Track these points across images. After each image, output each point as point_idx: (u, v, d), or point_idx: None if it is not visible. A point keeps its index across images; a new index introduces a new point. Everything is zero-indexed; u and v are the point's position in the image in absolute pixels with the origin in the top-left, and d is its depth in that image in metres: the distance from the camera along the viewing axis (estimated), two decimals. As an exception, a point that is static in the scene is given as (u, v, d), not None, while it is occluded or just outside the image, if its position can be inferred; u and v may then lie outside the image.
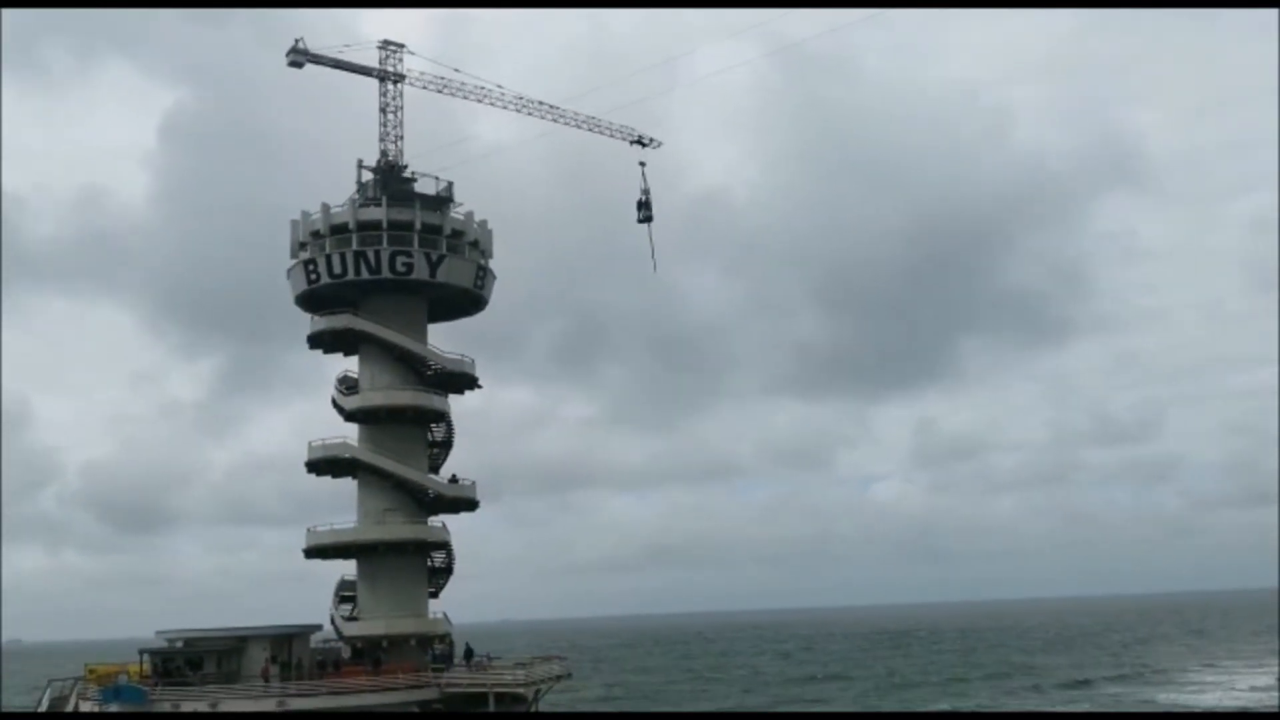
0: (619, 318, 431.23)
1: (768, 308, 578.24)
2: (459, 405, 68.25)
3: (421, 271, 64.21)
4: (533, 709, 62.14)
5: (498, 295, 69.98)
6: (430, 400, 65.36)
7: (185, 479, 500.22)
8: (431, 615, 65.52)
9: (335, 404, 66.50)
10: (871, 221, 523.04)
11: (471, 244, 67.37)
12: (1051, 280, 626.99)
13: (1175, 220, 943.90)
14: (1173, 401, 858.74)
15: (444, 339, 69.50)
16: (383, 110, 67.64)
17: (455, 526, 67.10)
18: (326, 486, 66.84)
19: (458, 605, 67.93)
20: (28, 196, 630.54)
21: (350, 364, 67.72)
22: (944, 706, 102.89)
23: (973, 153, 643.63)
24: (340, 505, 66.57)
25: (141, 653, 60.18)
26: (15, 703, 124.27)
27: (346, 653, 63.95)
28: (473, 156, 71.54)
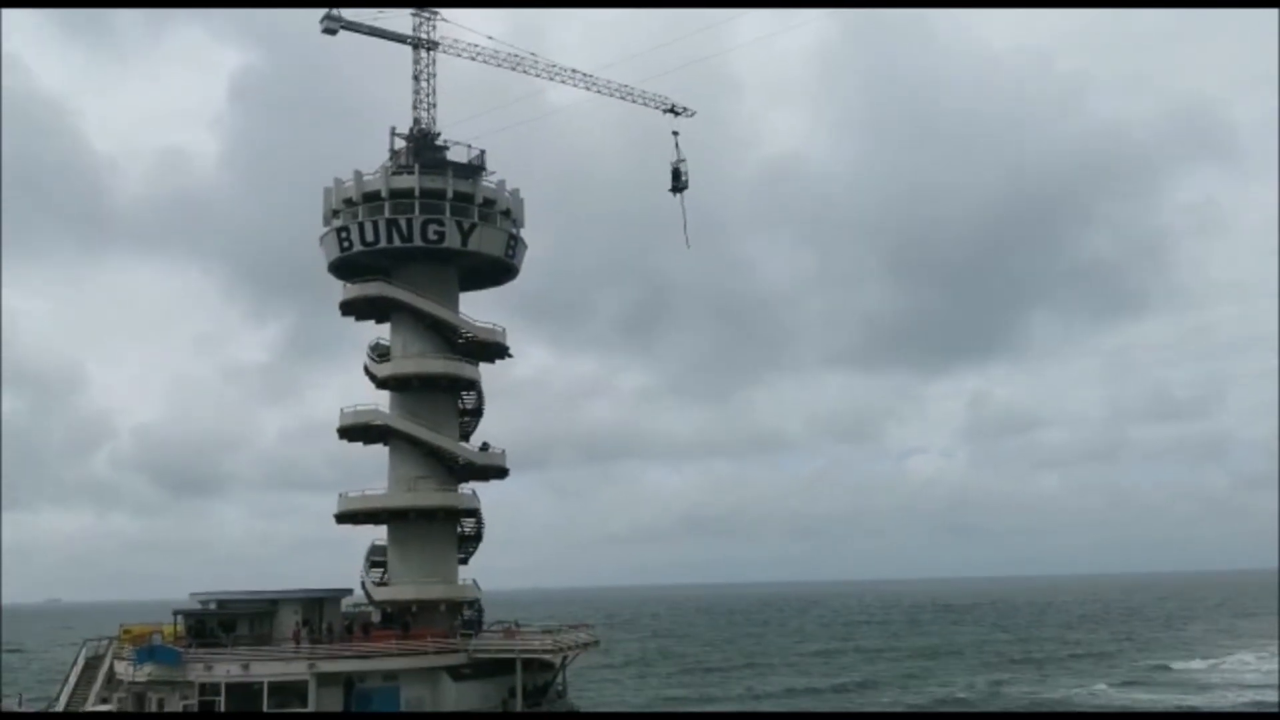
0: (688, 287, 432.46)
1: (837, 278, 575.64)
2: (518, 373, 68.65)
3: (453, 240, 64.28)
4: (561, 675, 62.61)
5: (569, 263, 70.58)
6: (461, 368, 65.57)
7: (240, 444, 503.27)
8: (461, 581, 66.04)
9: (367, 371, 66.87)
10: (945, 190, 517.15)
11: (503, 213, 67.33)
12: (1127, 252, 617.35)
13: (1256, 191, 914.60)
14: (1235, 377, 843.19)
15: (506, 307, 69.68)
16: (416, 78, 67.53)
17: (492, 494, 67.60)
18: (373, 453, 67.39)
19: (491, 572, 68.45)
20: (117, 159, 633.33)
21: (382, 331, 68.05)
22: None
23: (1047, 121, 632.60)
24: (385, 472, 66.97)
25: (175, 614, 60.98)
26: (51, 658, 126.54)
27: (376, 617, 64.57)
28: (512, 124, 71.28)
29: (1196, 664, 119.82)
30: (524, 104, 71.45)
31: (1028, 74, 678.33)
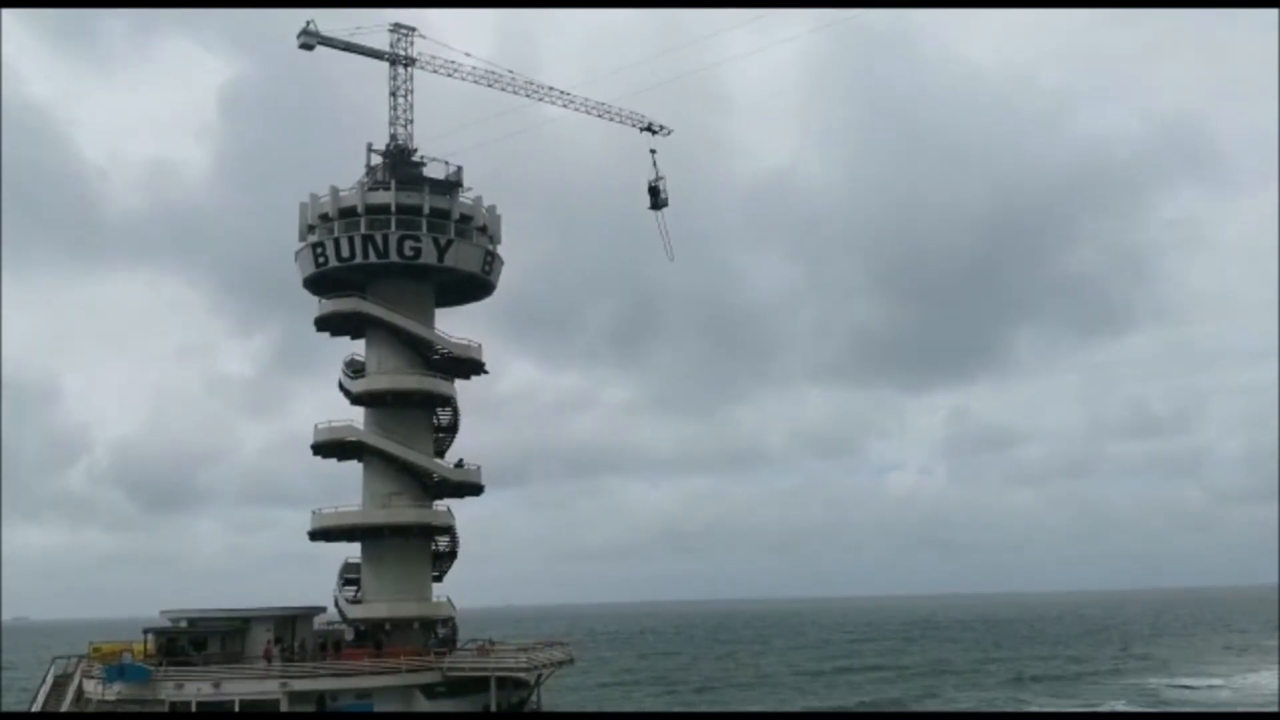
0: (677, 300, 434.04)
1: (825, 292, 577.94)
2: (504, 388, 68.79)
3: (429, 256, 64.18)
4: (535, 694, 62.34)
5: (559, 276, 70.36)
6: (436, 384, 65.40)
7: (220, 458, 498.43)
8: (435, 599, 65.72)
9: (342, 387, 66.58)
10: (933, 205, 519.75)
11: (480, 229, 67.30)
12: (1111, 267, 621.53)
13: (1239, 204, 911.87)
14: (1216, 392, 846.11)
15: (495, 321, 69.62)
16: (393, 94, 67.46)
17: (471, 510, 67.36)
18: (353, 468, 67.02)
19: (468, 589, 68.24)
20: (105, 170, 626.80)
21: (358, 347, 67.79)
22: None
23: (1032, 136, 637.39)
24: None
25: (146, 632, 60.38)
26: (18, 679, 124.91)
27: (349, 635, 64.15)
28: (501, 136, 71.36)
29: (1217, 681, 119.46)
30: (514, 117, 71.28)
31: (1011, 90, 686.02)
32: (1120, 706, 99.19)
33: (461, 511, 66.99)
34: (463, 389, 67.93)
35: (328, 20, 66.42)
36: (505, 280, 70.00)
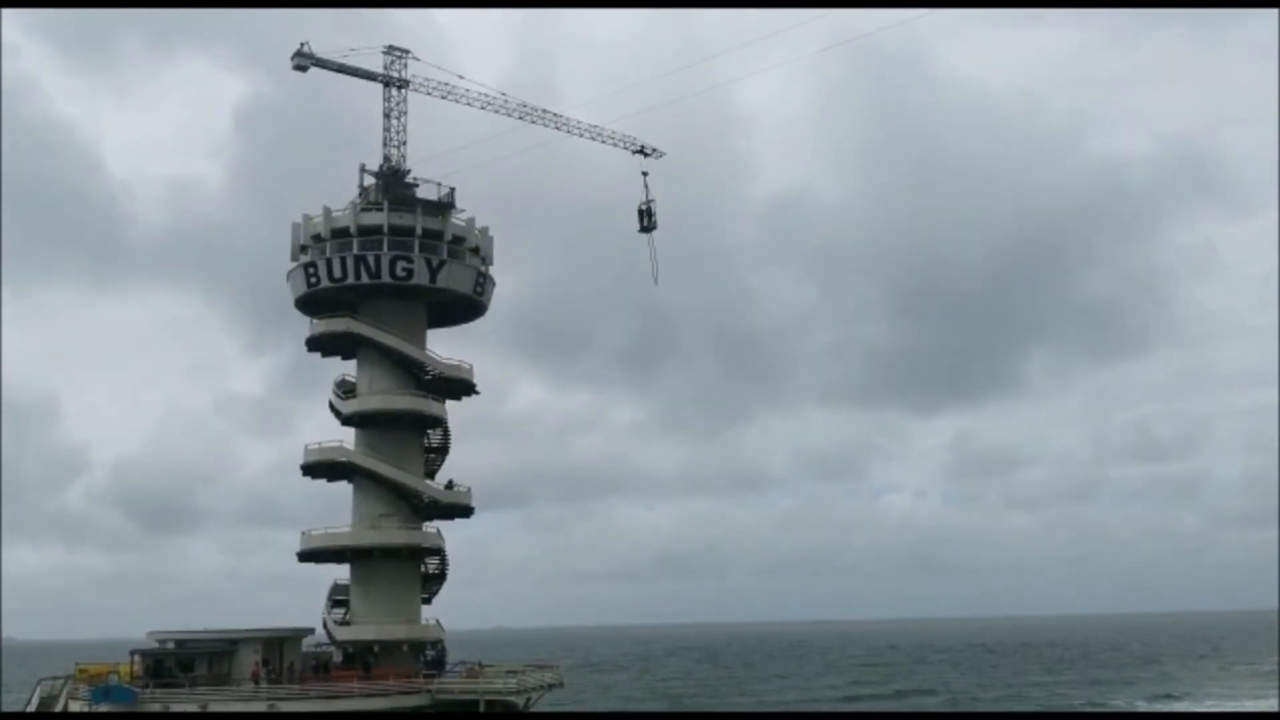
0: (689, 320, 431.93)
1: (839, 313, 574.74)
2: (513, 408, 68.68)
3: (421, 276, 64.24)
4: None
5: (573, 298, 70.16)
6: (427, 405, 65.32)
7: (222, 477, 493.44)
8: (424, 621, 65.46)
9: (333, 407, 66.46)
10: (950, 228, 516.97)
11: (472, 250, 67.41)
12: (1125, 291, 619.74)
13: (1254, 226, 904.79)
14: (1219, 416, 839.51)
15: (506, 342, 69.81)
16: (386, 115, 67.65)
17: (465, 532, 67.08)
18: (348, 490, 66.58)
19: (459, 611, 67.91)
20: (119, 188, 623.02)
21: (349, 368, 67.74)
22: None
23: (1048, 159, 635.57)
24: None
25: (132, 653, 60.04)
26: (2, 701, 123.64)
27: (338, 657, 63.85)
28: (477, 162, 71.35)
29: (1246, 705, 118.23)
30: (528, 134, 71.01)
31: (1019, 112, 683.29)
32: None
33: (456, 533, 66.96)
34: (465, 410, 68.14)
35: (354, 19, 66.42)
36: (519, 301, 70.39)
